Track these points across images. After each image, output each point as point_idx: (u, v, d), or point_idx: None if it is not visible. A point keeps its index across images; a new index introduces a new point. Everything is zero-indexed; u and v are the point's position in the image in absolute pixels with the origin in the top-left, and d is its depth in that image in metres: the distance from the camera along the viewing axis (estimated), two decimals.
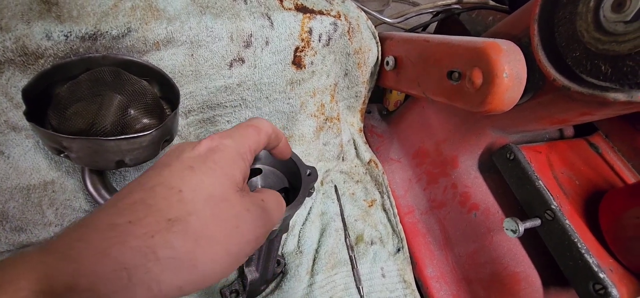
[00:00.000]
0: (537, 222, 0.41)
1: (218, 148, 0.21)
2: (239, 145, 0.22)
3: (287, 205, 0.38)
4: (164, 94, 0.39)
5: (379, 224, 0.55)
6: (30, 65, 0.33)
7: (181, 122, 0.45)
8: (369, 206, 0.57)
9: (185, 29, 0.38)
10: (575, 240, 0.38)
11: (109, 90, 0.35)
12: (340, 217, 0.54)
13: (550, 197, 0.41)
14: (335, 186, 0.57)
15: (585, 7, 0.31)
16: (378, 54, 0.57)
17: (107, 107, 0.34)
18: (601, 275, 0.36)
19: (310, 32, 0.47)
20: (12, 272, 0.14)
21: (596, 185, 0.46)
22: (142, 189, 0.18)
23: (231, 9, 0.42)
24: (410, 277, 0.52)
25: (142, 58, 0.37)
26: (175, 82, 0.38)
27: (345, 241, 0.51)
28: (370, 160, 0.62)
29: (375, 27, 0.56)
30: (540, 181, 0.42)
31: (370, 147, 0.65)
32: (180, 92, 0.38)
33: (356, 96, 0.61)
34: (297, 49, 0.47)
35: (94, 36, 0.34)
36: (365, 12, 0.56)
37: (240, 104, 0.47)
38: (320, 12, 0.48)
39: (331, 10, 0.49)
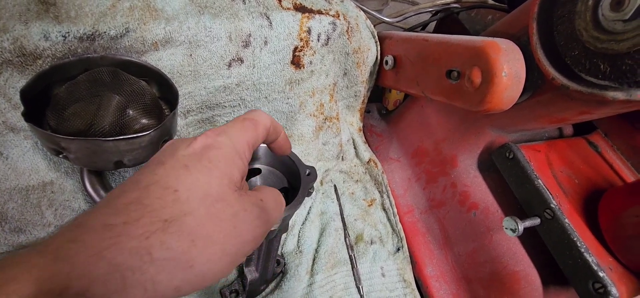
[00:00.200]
0: (536, 221, 0.41)
1: (213, 145, 0.20)
2: (235, 142, 0.21)
3: (286, 205, 0.38)
4: (162, 94, 0.39)
5: (378, 223, 0.55)
6: (28, 65, 0.33)
7: (180, 122, 0.45)
8: (369, 205, 0.57)
9: (184, 29, 0.38)
10: (575, 239, 0.38)
11: (108, 90, 0.35)
12: (339, 217, 0.54)
13: (550, 196, 0.41)
14: (335, 186, 0.57)
15: (584, 6, 0.31)
16: (377, 53, 0.57)
17: (105, 107, 0.34)
18: (601, 274, 0.36)
19: (309, 31, 0.47)
20: (8, 274, 0.14)
21: (595, 184, 0.46)
22: (137, 188, 0.17)
23: (229, 8, 0.42)
24: (410, 276, 0.52)
25: (140, 58, 0.37)
26: (173, 82, 0.38)
27: (345, 240, 0.51)
28: (369, 160, 0.62)
29: (374, 26, 0.56)
30: (539, 180, 0.42)
31: (369, 146, 0.65)
32: (179, 92, 0.38)
33: (355, 95, 0.61)
34: (295, 48, 0.47)
35: (92, 36, 0.34)
36: (364, 11, 0.56)
37: (239, 104, 0.47)
38: (319, 12, 0.48)
39: (330, 9, 0.49)
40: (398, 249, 0.54)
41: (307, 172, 0.43)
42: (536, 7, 0.35)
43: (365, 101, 0.64)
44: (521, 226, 0.39)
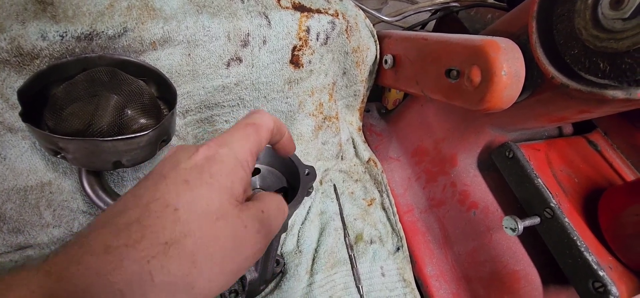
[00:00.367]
0: (536, 220, 0.40)
1: (215, 158, 0.20)
2: (237, 153, 0.21)
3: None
4: (161, 94, 0.39)
5: (378, 223, 0.55)
6: (25, 65, 0.33)
7: (179, 122, 0.44)
8: (368, 205, 0.57)
9: (182, 29, 0.38)
10: (575, 238, 0.38)
11: (106, 90, 0.35)
12: (339, 216, 0.54)
13: (550, 195, 0.40)
14: (334, 185, 0.57)
15: (584, 5, 0.31)
16: (376, 52, 0.57)
17: (103, 107, 0.34)
18: (600, 273, 0.36)
19: (308, 30, 0.46)
20: (11, 294, 0.14)
21: (595, 183, 0.46)
22: (138, 206, 0.17)
23: (228, 8, 0.42)
24: (409, 276, 0.52)
25: (138, 58, 0.37)
26: (172, 81, 0.38)
27: (345, 240, 0.51)
28: (369, 159, 0.62)
29: (373, 25, 0.56)
30: (539, 179, 0.42)
31: (369, 145, 0.65)
32: (178, 92, 0.38)
33: (355, 95, 0.61)
34: (294, 47, 0.46)
35: (90, 36, 0.34)
36: (364, 10, 0.56)
37: (238, 104, 0.47)
38: (318, 11, 0.48)
39: (329, 8, 0.49)
40: (398, 249, 0.54)
41: (307, 172, 0.43)
42: (536, 6, 0.35)
43: (365, 100, 0.64)
44: (521, 225, 0.38)
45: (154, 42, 0.37)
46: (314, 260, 0.48)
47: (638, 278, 0.38)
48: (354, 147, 0.64)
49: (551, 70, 0.34)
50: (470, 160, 0.51)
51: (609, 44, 0.29)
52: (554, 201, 0.40)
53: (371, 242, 0.52)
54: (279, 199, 0.24)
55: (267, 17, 0.43)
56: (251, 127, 0.23)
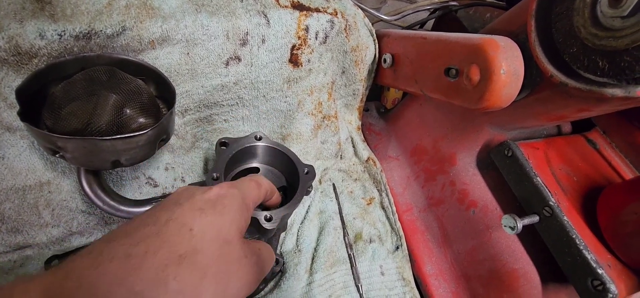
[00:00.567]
0: (535, 218, 0.41)
1: (226, 195, 0.23)
2: (245, 195, 0.25)
3: (285, 203, 0.38)
4: (160, 93, 0.39)
5: (377, 222, 0.55)
6: (24, 64, 0.33)
7: (178, 121, 0.44)
8: (368, 204, 0.57)
9: (181, 28, 0.38)
10: (574, 236, 0.38)
11: (104, 89, 0.35)
12: (338, 215, 0.54)
13: (549, 193, 0.41)
14: (334, 184, 0.57)
15: (582, 3, 0.31)
16: (375, 51, 0.57)
17: (102, 106, 0.34)
18: (599, 271, 0.36)
19: (306, 29, 0.46)
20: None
21: (594, 181, 0.46)
22: (156, 223, 0.20)
23: (227, 6, 0.42)
24: (409, 275, 0.52)
25: (137, 57, 0.37)
26: (171, 81, 0.38)
27: (344, 239, 0.51)
28: (368, 158, 0.62)
29: (372, 24, 0.56)
30: (538, 177, 0.42)
31: (368, 144, 0.65)
32: (177, 91, 0.38)
33: (354, 94, 0.61)
34: (293, 46, 0.46)
35: (88, 35, 0.34)
36: (362, 9, 0.56)
37: (237, 103, 0.47)
38: (317, 10, 0.48)
39: (328, 7, 0.49)
40: (397, 248, 0.54)
41: (306, 171, 0.43)
42: (534, 4, 0.35)
43: (364, 99, 0.64)
44: (520, 224, 0.39)
45: (152, 41, 0.37)
46: (313, 259, 0.48)
47: (637, 276, 0.38)
48: (353, 146, 0.63)
49: (550, 68, 0.34)
50: (469, 158, 0.52)
51: (608, 42, 0.29)
52: (552, 199, 0.40)
53: (370, 241, 0.52)
54: (269, 248, 0.27)
55: (266, 16, 0.43)
56: (255, 183, 0.28)
